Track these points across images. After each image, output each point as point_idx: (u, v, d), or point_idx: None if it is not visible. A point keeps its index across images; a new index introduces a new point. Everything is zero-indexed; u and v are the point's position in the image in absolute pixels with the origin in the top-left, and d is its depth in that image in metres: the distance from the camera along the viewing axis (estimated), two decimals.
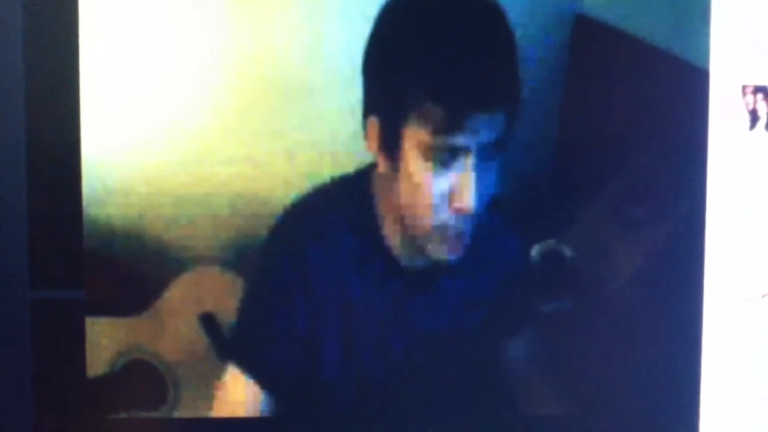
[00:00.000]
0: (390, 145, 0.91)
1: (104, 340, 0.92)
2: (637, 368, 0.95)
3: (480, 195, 0.91)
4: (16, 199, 0.90)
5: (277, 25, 0.91)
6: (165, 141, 0.91)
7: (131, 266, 0.92)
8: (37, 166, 0.91)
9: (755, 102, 0.93)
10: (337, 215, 0.93)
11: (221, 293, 0.93)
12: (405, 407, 0.95)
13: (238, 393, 0.94)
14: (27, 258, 0.91)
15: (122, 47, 0.90)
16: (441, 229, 0.92)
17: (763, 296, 0.95)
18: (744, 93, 0.93)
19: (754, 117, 0.93)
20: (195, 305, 0.93)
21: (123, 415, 0.94)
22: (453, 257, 0.93)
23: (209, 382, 0.94)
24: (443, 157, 0.90)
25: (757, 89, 0.93)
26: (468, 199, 0.90)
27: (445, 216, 0.91)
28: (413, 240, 0.93)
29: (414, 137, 0.90)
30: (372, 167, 0.92)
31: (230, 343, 0.93)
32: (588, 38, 0.92)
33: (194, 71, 0.91)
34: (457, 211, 0.91)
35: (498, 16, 0.91)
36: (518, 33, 0.91)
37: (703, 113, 0.93)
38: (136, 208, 0.91)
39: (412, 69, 0.90)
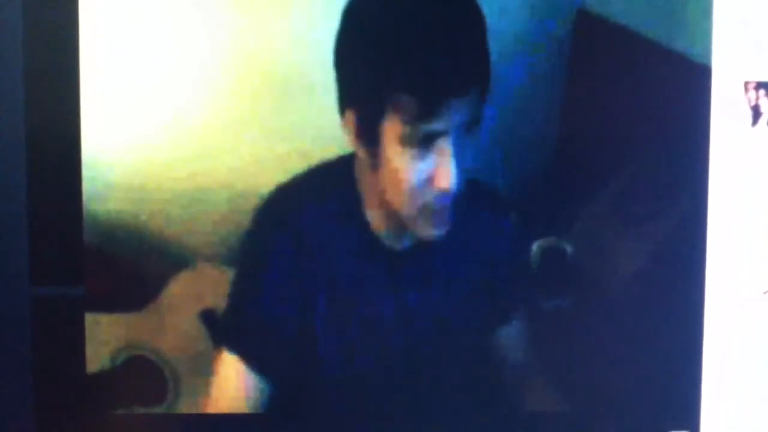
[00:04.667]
0: (368, 136, 0.92)
1: (104, 336, 0.93)
2: (638, 366, 0.95)
3: (459, 172, 0.91)
4: (16, 195, 0.90)
5: (277, 22, 0.91)
6: (165, 137, 0.91)
7: (132, 262, 0.92)
8: (37, 161, 0.91)
9: (757, 98, 0.93)
10: (321, 199, 0.93)
11: (221, 290, 0.93)
12: (399, 386, 0.95)
13: (236, 386, 0.94)
14: (27, 254, 0.91)
15: (122, 44, 0.90)
16: (424, 209, 0.93)
17: (765, 294, 0.95)
18: (746, 89, 0.93)
19: (756, 113, 0.93)
20: (195, 301, 0.93)
21: (123, 410, 0.94)
22: (439, 233, 0.94)
23: (209, 379, 0.94)
24: (421, 143, 0.90)
25: (760, 85, 0.93)
26: (448, 179, 0.91)
27: (428, 197, 0.92)
28: (398, 222, 0.94)
29: (391, 128, 0.91)
30: (354, 154, 0.93)
31: (223, 329, 0.93)
32: (589, 34, 0.92)
33: (194, 68, 0.91)
34: (439, 191, 0.91)
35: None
36: (519, 28, 0.91)
37: (704, 109, 0.93)
38: (137, 204, 0.92)
39: (384, 61, 0.91)
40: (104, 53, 0.90)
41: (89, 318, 0.92)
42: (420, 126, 0.90)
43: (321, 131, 0.92)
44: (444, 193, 0.92)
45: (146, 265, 0.92)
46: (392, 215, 0.94)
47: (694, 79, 0.93)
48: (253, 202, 0.92)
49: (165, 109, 0.91)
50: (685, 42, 0.92)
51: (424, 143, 0.90)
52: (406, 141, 0.90)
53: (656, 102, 0.93)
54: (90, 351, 0.93)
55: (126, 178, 0.91)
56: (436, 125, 0.90)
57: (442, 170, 0.91)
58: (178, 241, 0.92)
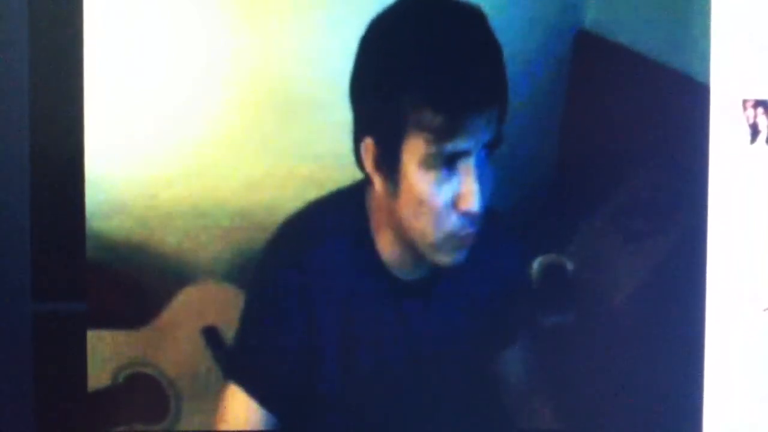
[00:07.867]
0: (388, 162, 0.91)
1: (106, 353, 0.92)
2: (639, 382, 0.95)
3: (482, 195, 0.91)
4: (19, 211, 0.91)
5: (279, 39, 0.91)
6: (168, 155, 0.91)
7: (134, 279, 0.92)
8: (40, 178, 0.91)
9: (756, 116, 0.93)
10: (332, 230, 0.93)
11: (224, 307, 0.93)
12: (404, 422, 0.95)
13: (240, 408, 0.93)
14: (29, 270, 0.91)
15: (125, 62, 0.91)
16: (448, 235, 0.92)
17: (765, 310, 0.95)
18: (744, 107, 0.94)
19: (754, 131, 0.94)
20: (197, 319, 0.93)
21: (124, 428, 0.93)
22: (458, 259, 0.93)
23: (211, 396, 0.94)
24: (445, 164, 0.90)
25: (758, 103, 0.93)
26: (474, 201, 0.90)
27: (452, 221, 0.91)
28: (416, 251, 0.93)
29: (414, 149, 0.90)
30: (366, 181, 0.93)
31: (229, 361, 0.93)
32: (589, 53, 0.93)
33: (197, 86, 0.91)
34: (465, 213, 0.91)
35: (480, 20, 0.91)
36: (519, 48, 0.92)
37: (703, 127, 0.94)
38: (139, 221, 0.92)
39: (406, 81, 0.90)
40: (108, 71, 0.91)
41: (91, 335, 0.92)
42: (444, 145, 0.89)
43: (323, 148, 0.92)
44: (469, 216, 0.91)
45: (148, 282, 0.92)
46: (409, 245, 0.93)
47: (693, 98, 0.93)
48: (255, 219, 0.92)
49: (168, 127, 0.91)
50: (684, 61, 0.93)
51: (447, 164, 0.90)
52: (429, 162, 0.90)
53: (656, 120, 0.93)
54: (92, 368, 0.92)
55: (128, 196, 0.91)
56: (461, 144, 0.90)
57: (467, 192, 0.90)
58: (180, 257, 0.92)
